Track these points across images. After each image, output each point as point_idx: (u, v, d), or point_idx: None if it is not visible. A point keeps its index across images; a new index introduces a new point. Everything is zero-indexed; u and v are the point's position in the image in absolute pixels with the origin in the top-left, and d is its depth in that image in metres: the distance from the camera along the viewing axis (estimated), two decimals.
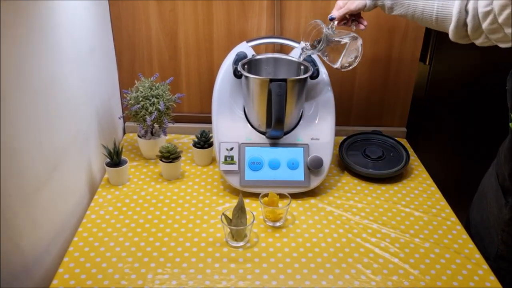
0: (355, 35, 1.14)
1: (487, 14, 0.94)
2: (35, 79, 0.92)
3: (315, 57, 1.29)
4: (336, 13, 1.13)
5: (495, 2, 0.91)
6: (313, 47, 1.15)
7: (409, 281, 0.99)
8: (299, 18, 1.41)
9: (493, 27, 0.94)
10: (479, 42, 1.00)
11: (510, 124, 1.00)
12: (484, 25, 0.95)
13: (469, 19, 0.97)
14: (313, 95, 1.30)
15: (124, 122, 1.57)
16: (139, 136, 1.39)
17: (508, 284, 1.02)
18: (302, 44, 1.19)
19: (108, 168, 1.26)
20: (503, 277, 1.01)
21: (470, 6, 0.97)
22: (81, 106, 1.19)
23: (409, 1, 1.05)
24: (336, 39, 1.14)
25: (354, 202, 1.24)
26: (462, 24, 0.99)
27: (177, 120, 1.48)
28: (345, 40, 1.14)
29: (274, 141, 1.25)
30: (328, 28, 1.12)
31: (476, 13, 0.96)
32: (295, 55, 1.30)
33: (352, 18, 1.16)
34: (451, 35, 1.02)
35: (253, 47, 1.33)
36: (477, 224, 1.19)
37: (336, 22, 1.13)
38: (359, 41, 1.14)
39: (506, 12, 0.89)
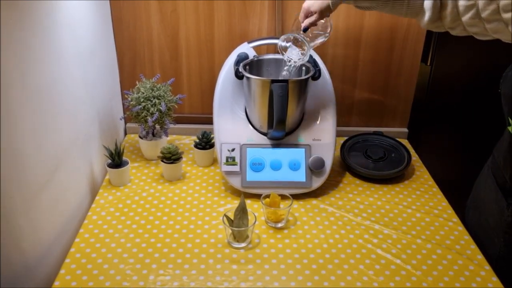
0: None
1: (469, 8, 0.91)
2: (37, 80, 0.92)
3: (316, 57, 1.29)
4: (307, 23, 1.13)
5: None
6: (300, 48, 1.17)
7: (411, 282, 0.98)
8: None
9: (474, 21, 0.92)
10: (454, 32, 0.99)
11: (509, 128, 1.00)
12: (464, 18, 0.93)
13: (448, 12, 0.95)
14: (314, 96, 1.29)
15: (125, 123, 1.57)
16: (140, 137, 1.39)
17: (510, 286, 1.02)
18: (295, 54, 1.18)
19: (109, 169, 1.26)
20: (505, 279, 1.01)
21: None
22: (82, 106, 1.19)
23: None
24: (311, 35, 1.17)
25: (356, 203, 1.24)
26: (436, 17, 0.97)
27: (178, 121, 1.48)
28: (318, 31, 1.17)
29: (276, 142, 1.25)
30: (304, 36, 1.15)
31: (456, 6, 0.93)
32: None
33: None
34: (423, 26, 1.01)
35: (255, 47, 1.33)
36: (474, 226, 1.18)
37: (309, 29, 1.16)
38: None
39: (490, 8, 0.87)
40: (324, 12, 1.10)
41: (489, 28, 0.90)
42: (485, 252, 1.09)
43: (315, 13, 1.10)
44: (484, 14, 0.89)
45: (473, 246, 1.09)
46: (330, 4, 1.07)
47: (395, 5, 1.01)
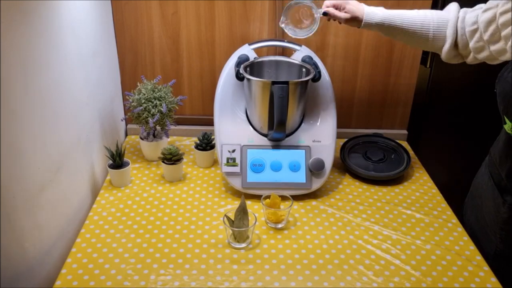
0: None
1: (473, 32, 1.00)
2: (39, 81, 0.93)
3: (316, 59, 1.30)
4: (330, 9, 1.14)
5: (480, 20, 0.97)
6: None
7: (410, 282, 0.99)
8: None
9: (479, 45, 1.00)
10: (468, 60, 1.06)
11: (505, 126, 1.01)
12: (471, 43, 1.01)
13: (458, 38, 1.03)
14: (314, 97, 1.30)
15: (126, 124, 1.57)
16: (141, 138, 1.40)
17: (507, 282, 1.02)
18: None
19: (110, 170, 1.26)
20: (502, 276, 1.02)
21: (459, 25, 1.04)
22: (84, 108, 1.19)
23: (407, 27, 1.08)
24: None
25: (355, 204, 1.25)
26: (454, 44, 1.05)
27: (179, 122, 1.49)
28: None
29: (276, 143, 1.26)
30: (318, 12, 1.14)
31: (464, 32, 1.02)
32: (297, 58, 1.31)
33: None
34: (444, 55, 1.08)
35: (255, 49, 1.33)
36: (472, 224, 1.19)
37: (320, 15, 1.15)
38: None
39: (491, 28, 0.95)
40: (351, 22, 1.12)
41: (493, 51, 0.98)
42: (483, 250, 1.10)
43: (346, 13, 1.11)
44: (486, 36, 0.97)
45: (472, 247, 1.10)
46: (362, 22, 1.10)
47: (421, 37, 1.08)
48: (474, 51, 1.02)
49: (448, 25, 1.05)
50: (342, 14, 1.11)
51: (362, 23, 1.10)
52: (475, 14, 1.00)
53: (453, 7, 1.07)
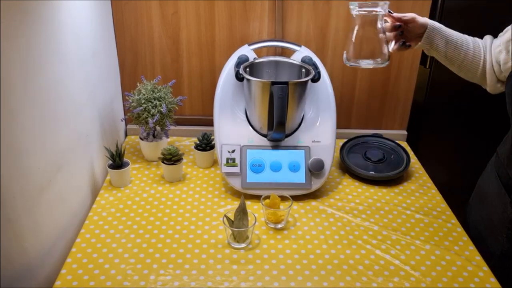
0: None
1: (499, 53, 1.03)
2: (39, 81, 0.93)
3: (316, 60, 1.30)
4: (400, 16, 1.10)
5: (502, 41, 1.02)
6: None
7: (410, 282, 0.99)
8: (300, 21, 1.42)
9: (508, 66, 1.01)
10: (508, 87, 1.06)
11: None
12: (501, 66, 1.03)
13: (493, 63, 1.06)
14: (314, 98, 1.30)
15: (126, 124, 1.57)
16: (141, 138, 1.40)
17: None
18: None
19: (110, 170, 1.26)
20: (507, 276, 1.02)
21: (492, 51, 1.07)
22: (84, 108, 1.19)
23: (462, 43, 1.08)
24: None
25: (355, 204, 1.25)
26: (493, 70, 1.06)
27: (179, 122, 1.49)
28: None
29: (276, 144, 1.26)
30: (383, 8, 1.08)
31: (494, 55, 1.05)
32: (297, 58, 1.31)
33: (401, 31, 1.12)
34: (489, 84, 1.08)
35: (255, 50, 1.34)
36: (477, 224, 1.19)
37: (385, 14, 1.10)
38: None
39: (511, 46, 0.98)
40: (418, 26, 1.08)
41: None
42: (488, 249, 1.10)
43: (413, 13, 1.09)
44: (510, 54, 0.99)
45: (472, 247, 1.10)
46: (428, 25, 1.08)
47: (474, 62, 1.08)
48: (506, 73, 1.04)
49: (487, 51, 1.08)
50: (409, 14, 1.10)
51: (428, 26, 1.09)
52: (500, 39, 1.05)
53: (488, 36, 1.11)
